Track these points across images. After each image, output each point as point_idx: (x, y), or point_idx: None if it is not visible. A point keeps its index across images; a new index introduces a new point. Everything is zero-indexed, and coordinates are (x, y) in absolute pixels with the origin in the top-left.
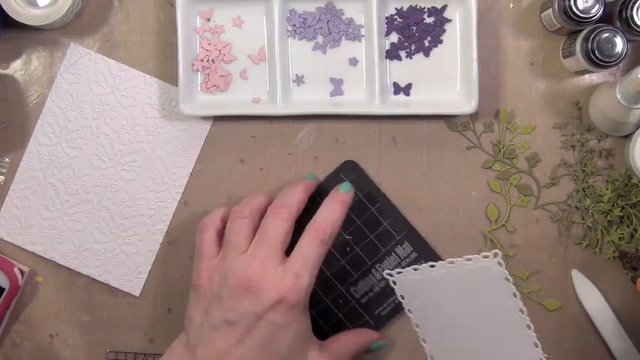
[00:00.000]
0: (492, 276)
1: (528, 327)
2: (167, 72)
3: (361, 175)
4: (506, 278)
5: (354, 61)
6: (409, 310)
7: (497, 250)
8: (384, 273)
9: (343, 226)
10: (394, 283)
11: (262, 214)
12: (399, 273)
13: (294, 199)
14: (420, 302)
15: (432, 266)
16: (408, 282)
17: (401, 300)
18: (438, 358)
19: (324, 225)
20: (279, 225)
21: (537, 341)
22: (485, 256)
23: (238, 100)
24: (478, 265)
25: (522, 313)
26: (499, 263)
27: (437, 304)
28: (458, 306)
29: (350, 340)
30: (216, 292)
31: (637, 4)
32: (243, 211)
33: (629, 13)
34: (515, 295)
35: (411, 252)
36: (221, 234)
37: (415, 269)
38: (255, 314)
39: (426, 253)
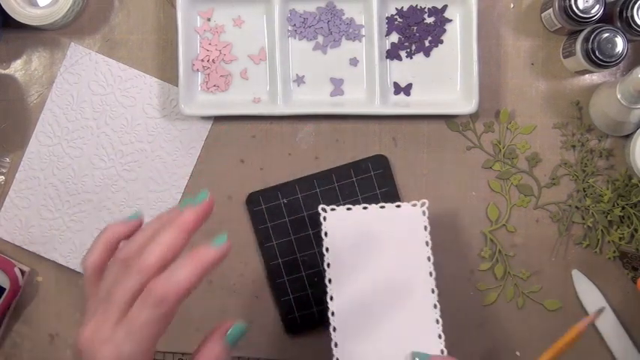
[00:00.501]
0: (414, 222)
1: (430, 274)
2: (167, 72)
3: (387, 173)
4: (425, 227)
5: (354, 61)
6: (327, 249)
7: (425, 200)
8: (319, 207)
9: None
10: (324, 219)
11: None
12: (333, 210)
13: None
14: (340, 242)
15: (365, 208)
16: (337, 220)
17: (324, 237)
18: (338, 298)
19: (165, 288)
20: (125, 282)
21: (435, 288)
22: (414, 204)
23: (239, 100)
24: (405, 212)
25: (429, 260)
26: (423, 212)
27: (355, 246)
28: (374, 249)
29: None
30: None
31: (637, 4)
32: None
33: (629, 13)
34: (427, 244)
35: None
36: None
37: (348, 208)
38: None
39: None
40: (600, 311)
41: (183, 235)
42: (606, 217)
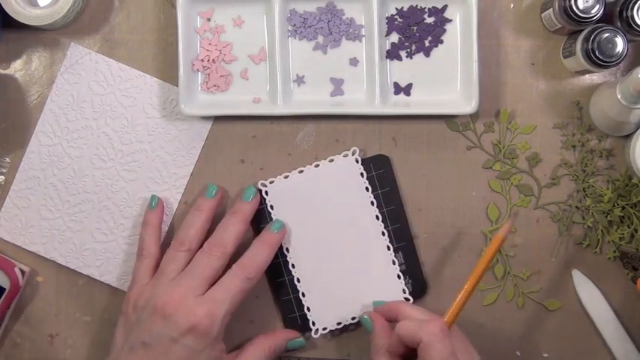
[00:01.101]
0: (350, 172)
1: (377, 217)
2: (167, 72)
3: (388, 172)
4: (360, 173)
5: (354, 61)
6: None
7: (355, 148)
8: (259, 183)
9: None
10: (266, 193)
11: (202, 242)
12: (272, 182)
13: (231, 236)
14: (287, 210)
15: (301, 172)
16: (279, 191)
17: (270, 210)
18: (299, 263)
19: (248, 264)
20: (210, 261)
21: (385, 230)
22: (346, 155)
23: (239, 100)
24: (339, 164)
25: (372, 205)
26: (356, 160)
27: (302, 208)
28: (320, 206)
29: (260, 345)
30: (138, 315)
31: (637, 4)
32: (183, 244)
33: (629, 13)
34: (367, 189)
35: (402, 264)
36: (159, 261)
37: (286, 176)
38: (170, 338)
39: (414, 272)
40: (515, 215)
41: (246, 225)
42: (606, 217)
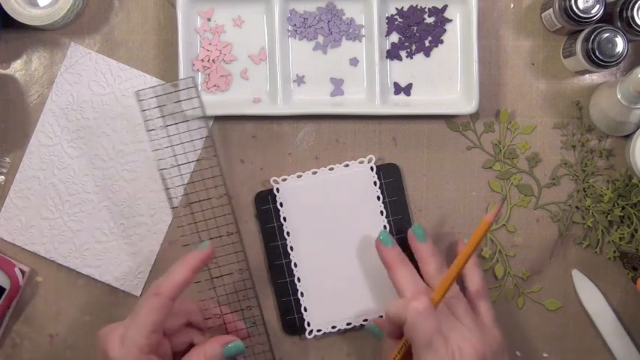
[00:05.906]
0: (364, 179)
1: (385, 227)
2: (167, 72)
3: (397, 181)
4: (374, 182)
5: (354, 61)
6: (284, 219)
7: (372, 156)
8: (271, 180)
9: None
10: (277, 190)
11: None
12: (284, 180)
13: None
14: (296, 209)
15: (315, 172)
16: (290, 189)
17: (279, 208)
18: (301, 263)
19: (160, 283)
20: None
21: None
22: (361, 161)
23: (239, 100)
24: (353, 170)
25: (382, 214)
26: (371, 168)
27: (311, 209)
28: (329, 209)
29: (193, 356)
30: None
31: (637, 4)
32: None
33: (629, 13)
34: (378, 198)
35: None
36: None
37: (299, 176)
38: None
39: None
40: (503, 200)
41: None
42: (606, 217)
